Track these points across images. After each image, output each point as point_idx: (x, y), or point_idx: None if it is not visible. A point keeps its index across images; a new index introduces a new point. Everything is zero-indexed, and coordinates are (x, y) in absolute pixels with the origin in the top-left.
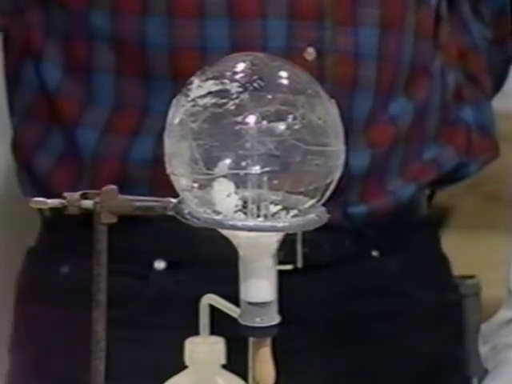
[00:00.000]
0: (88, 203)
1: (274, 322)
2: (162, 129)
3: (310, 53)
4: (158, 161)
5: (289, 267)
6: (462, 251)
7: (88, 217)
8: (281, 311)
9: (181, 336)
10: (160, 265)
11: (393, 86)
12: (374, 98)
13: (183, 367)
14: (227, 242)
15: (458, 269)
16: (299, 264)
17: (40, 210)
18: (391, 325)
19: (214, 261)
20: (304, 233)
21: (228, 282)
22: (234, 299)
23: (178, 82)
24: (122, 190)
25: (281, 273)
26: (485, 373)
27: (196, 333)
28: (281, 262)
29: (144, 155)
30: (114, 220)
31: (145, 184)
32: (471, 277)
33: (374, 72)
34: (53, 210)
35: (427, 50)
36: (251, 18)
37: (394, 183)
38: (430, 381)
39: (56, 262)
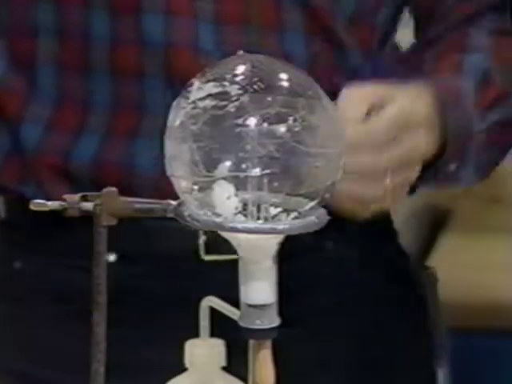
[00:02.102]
0: (88, 205)
1: (274, 324)
2: (107, 127)
3: None
4: (101, 161)
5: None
6: (462, 253)
7: (45, 214)
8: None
9: (131, 330)
10: (111, 258)
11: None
12: None
13: (138, 361)
14: (180, 236)
15: (458, 270)
16: None
17: None
18: (349, 316)
19: (166, 255)
20: None
21: (181, 276)
22: (186, 295)
23: (118, 77)
24: (67, 188)
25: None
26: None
27: (148, 327)
28: (226, 252)
29: (87, 154)
30: (114, 222)
31: (86, 184)
32: (427, 268)
33: None
34: (9, 207)
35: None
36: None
37: None
38: (394, 373)
39: (10, 257)
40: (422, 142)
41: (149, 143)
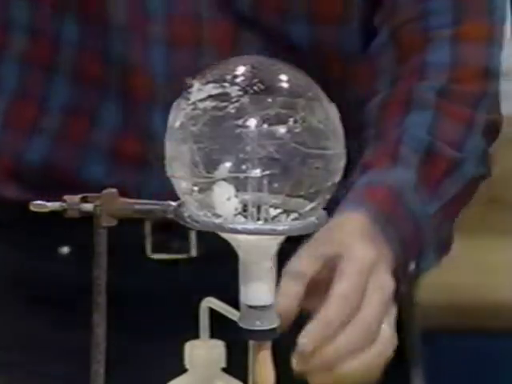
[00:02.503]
0: (88, 206)
1: (273, 325)
2: (59, 131)
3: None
4: (50, 165)
5: (184, 256)
6: (463, 254)
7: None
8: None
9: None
10: (64, 250)
11: None
12: None
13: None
14: (130, 232)
15: (458, 271)
16: (193, 253)
17: None
18: None
19: (114, 249)
20: None
21: (130, 270)
22: (128, 290)
23: (78, 83)
24: (19, 190)
25: (176, 262)
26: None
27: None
28: (175, 252)
29: (38, 157)
30: (113, 223)
31: (36, 188)
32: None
33: None
34: None
35: None
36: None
37: None
38: None
39: None
40: (387, 281)
41: (100, 153)
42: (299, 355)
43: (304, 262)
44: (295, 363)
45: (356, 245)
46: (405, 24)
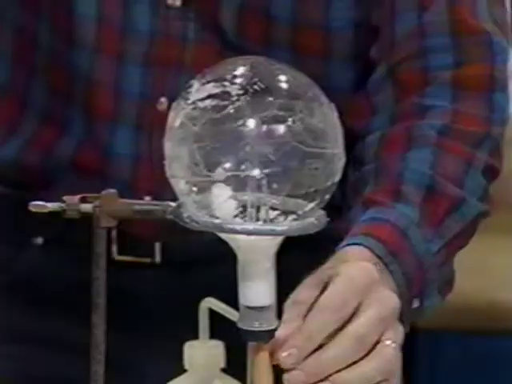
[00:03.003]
0: (87, 207)
1: (272, 326)
2: (32, 133)
3: (162, 102)
4: (23, 165)
5: (146, 260)
6: (463, 254)
7: None
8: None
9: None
10: (38, 240)
11: None
12: None
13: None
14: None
15: (459, 272)
16: (157, 259)
17: None
18: None
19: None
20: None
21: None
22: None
23: (51, 90)
24: None
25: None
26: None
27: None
28: (139, 256)
29: (11, 156)
30: (113, 224)
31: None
32: None
33: None
34: None
35: None
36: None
37: None
38: None
39: None
40: (388, 297)
41: (66, 159)
42: (285, 371)
43: (304, 291)
44: (285, 379)
45: (354, 265)
46: (403, 61)
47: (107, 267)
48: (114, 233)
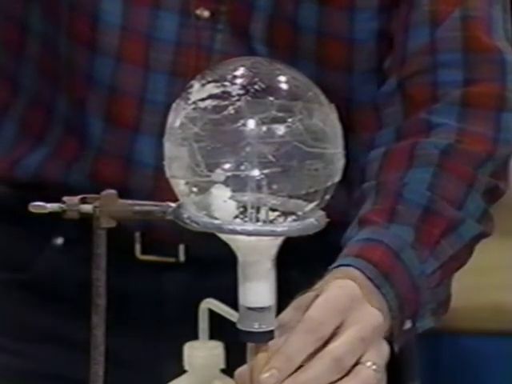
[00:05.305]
0: (87, 207)
1: (272, 327)
2: (53, 145)
3: None
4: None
5: (172, 260)
6: None
7: None
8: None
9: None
10: (58, 241)
11: None
12: None
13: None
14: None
15: (458, 272)
16: (181, 258)
17: None
18: None
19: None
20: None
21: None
22: (118, 287)
23: (71, 101)
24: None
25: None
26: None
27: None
28: (164, 255)
29: (34, 166)
30: (113, 224)
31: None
32: None
33: None
34: None
35: None
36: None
37: None
38: None
39: None
40: (369, 315)
41: (86, 170)
42: None
43: (289, 313)
44: None
45: (335, 283)
46: (413, 76)
47: (129, 267)
48: (137, 234)
